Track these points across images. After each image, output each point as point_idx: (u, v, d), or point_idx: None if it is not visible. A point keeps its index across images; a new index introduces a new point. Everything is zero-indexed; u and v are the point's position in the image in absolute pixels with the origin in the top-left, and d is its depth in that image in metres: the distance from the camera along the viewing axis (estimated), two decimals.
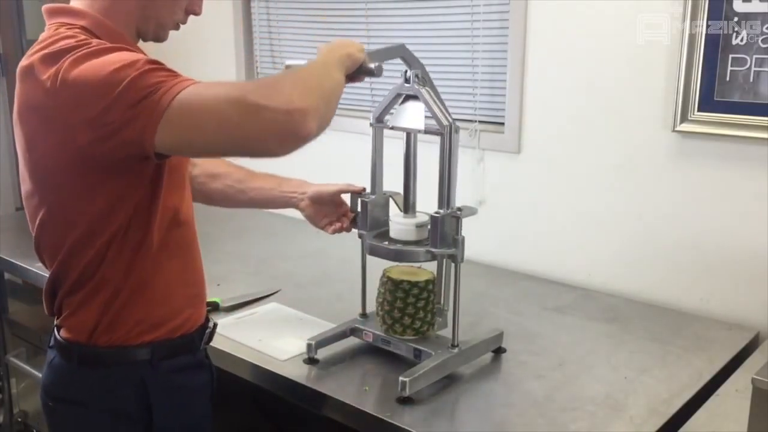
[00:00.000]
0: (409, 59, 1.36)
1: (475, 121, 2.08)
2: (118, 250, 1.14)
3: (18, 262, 2.06)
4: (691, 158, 1.74)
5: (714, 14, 1.61)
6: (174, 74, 1.02)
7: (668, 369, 1.48)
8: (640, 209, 1.84)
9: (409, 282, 1.41)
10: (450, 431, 1.28)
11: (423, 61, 2.23)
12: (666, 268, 1.82)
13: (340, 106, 2.63)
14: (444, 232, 1.34)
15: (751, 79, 1.60)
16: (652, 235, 1.83)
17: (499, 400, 1.37)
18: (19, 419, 2.39)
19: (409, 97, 1.37)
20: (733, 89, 1.62)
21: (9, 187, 4.12)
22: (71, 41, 1.06)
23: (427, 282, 1.42)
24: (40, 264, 1.96)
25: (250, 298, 1.79)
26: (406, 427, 1.25)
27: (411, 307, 1.41)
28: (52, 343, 1.25)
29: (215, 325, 1.35)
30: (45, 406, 1.26)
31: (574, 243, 1.97)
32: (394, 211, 1.46)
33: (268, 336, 1.58)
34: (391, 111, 1.41)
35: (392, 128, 1.39)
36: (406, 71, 1.36)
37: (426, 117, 1.36)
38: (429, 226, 1.40)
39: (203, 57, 2.76)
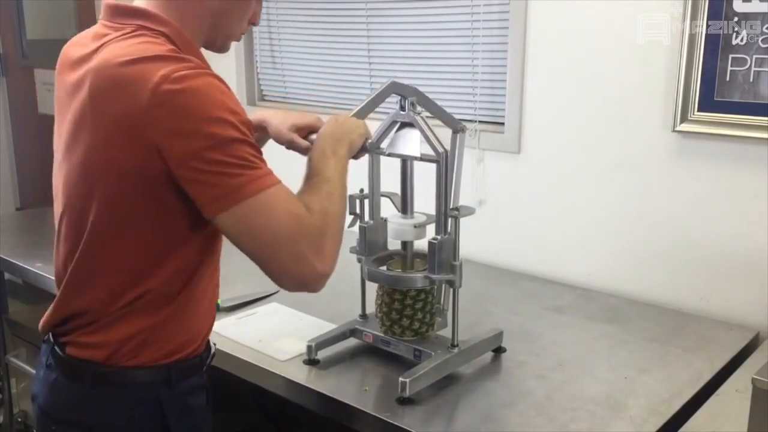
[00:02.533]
0: (403, 91, 1.37)
1: (475, 121, 2.08)
2: (175, 276, 1.12)
3: (18, 262, 2.06)
4: (691, 158, 1.74)
5: (714, 14, 1.61)
6: (259, 154, 1.06)
7: (668, 369, 1.48)
8: (640, 209, 1.85)
9: None
10: (450, 431, 1.28)
11: (423, 61, 2.25)
12: (666, 268, 1.82)
13: (340, 106, 2.66)
14: (442, 258, 1.35)
15: (751, 79, 1.60)
16: (652, 235, 1.83)
17: (499, 400, 1.37)
18: (19, 419, 2.39)
19: (404, 125, 1.38)
20: (733, 89, 1.62)
21: (9, 187, 4.13)
22: (166, 52, 1.03)
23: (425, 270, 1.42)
24: (40, 264, 1.99)
25: (250, 298, 1.79)
26: (406, 427, 1.25)
27: (409, 309, 1.42)
28: (50, 361, 1.17)
29: (215, 346, 1.31)
30: (44, 428, 1.18)
31: (574, 243, 1.97)
32: (393, 211, 1.46)
33: (268, 336, 1.58)
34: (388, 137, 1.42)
35: (389, 155, 1.40)
36: (401, 99, 1.37)
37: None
38: (427, 226, 1.40)
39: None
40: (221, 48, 1.22)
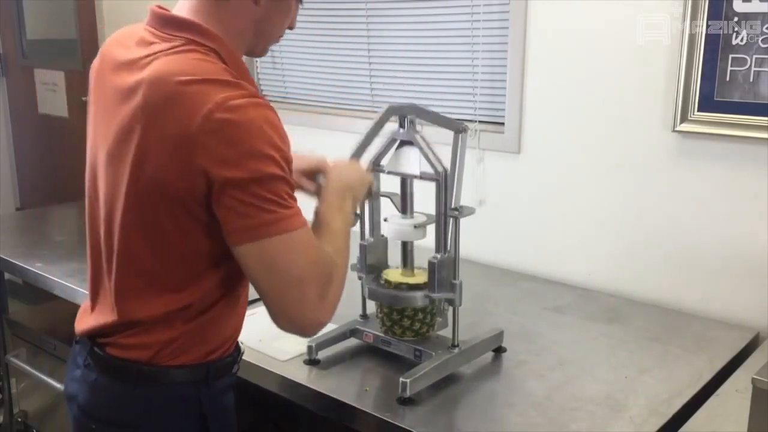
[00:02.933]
0: (401, 111, 1.38)
1: (475, 121, 2.08)
2: (216, 288, 1.14)
3: (18, 262, 2.06)
4: (691, 158, 1.74)
5: (714, 14, 1.61)
6: (293, 192, 1.07)
7: (668, 369, 1.48)
8: (640, 209, 1.85)
9: (407, 284, 1.41)
10: (450, 431, 1.28)
11: (423, 61, 2.25)
12: (666, 268, 1.82)
13: (340, 106, 2.65)
14: (442, 277, 1.36)
15: (751, 79, 1.60)
16: (652, 235, 1.83)
17: (499, 400, 1.37)
18: (19, 419, 2.39)
19: (404, 143, 1.39)
20: (733, 89, 1.62)
21: (9, 187, 4.13)
22: (223, 75, 1.05)
23: (425, 284, 1.42)
24: (40, 264, 1.99)
25: (250, 298, 1.78)
26: (407, 427, 1.25)
27: (409, 309, 1.42)
28: (88, 361, 1.18)
29: (243, 344, 1.32)
30: (84, 427, 1.19)
31: (574, 243, 1.97)
32: (392, 212, 1.46)
33: (268, 336, 1.58)
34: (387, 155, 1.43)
35: (389, 173, 1.41)
36: (402, 117, 1.38)
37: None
38: (426, 227, 1.40)
39: None
40: (261, 53, 1.24)
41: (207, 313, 1.15)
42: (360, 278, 1.48)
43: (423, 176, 1.38)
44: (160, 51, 1.08)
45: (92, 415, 1.18)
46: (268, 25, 1.18)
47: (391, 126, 1.39)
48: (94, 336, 1.18)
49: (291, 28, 1.24)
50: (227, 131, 1.00)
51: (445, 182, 1.35)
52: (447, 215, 1.36)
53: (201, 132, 1.00)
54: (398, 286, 1.41)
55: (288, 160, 1.06)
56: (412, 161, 1.38)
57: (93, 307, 1.21)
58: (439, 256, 1.36)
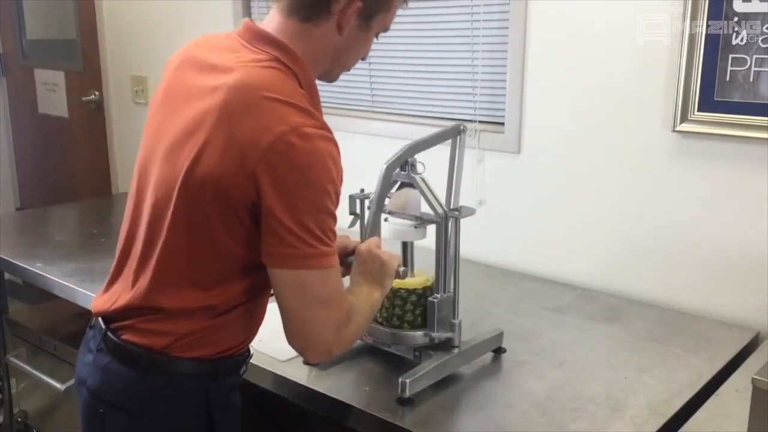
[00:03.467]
0: (401, 161, 1.39)
1: (475, 121, 2.08)
2: (243, 294, 1.17)
3: (18, 262, 2.06)
4: (691, 158, 1.74)
5: (714, 14, 1.61)
6: (335, 229, 1.12)
7: (668, 369, 1.48)
8: (639, 209, 1.85)
9: (406, 289, 1.41)
10: (450, 431, 1.28)
11: (423, 61, 2.24)
12: (666, 268, 1.82)
13: (340, 105, 2.65)
14: (441, 316, 1.37)
15: (751, 79, 1.60)
16: (652, 234, 1.83)
17: (499, 400, 1.37)
18: (19, 419, 2.39)
19: (405, 184, 1.40)
20: (733, 89, 1.62)
21: (9, 187, 4.13)
22: (302, 102, 1.08)
23: (425, 289, 1.42)
24: (40, 264, 1.99)
25: None
26: (406, 427, 1.25)
27: (410, 314, 1.41)
28: (101, 345, 1.19)
29: (252, 346, 1.33)
30: (93, 411, 1.20)
31: (574, 243, 1.97)
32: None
33: (268, 337, 1.58)
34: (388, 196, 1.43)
35: (390, 213, 1.42)
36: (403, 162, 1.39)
37: None
38: (426, 227, 1.40)
39: None
40: (334, 79, 1.27)
41: (227, 315, 1.17)
42: (359, 218, 1.47)
43: (423, 217, 1.39)
44: (248, 61, 1.12)
45: (101, 399, 1.19)
46: (347, 54, 1.22)
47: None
48: (113, 319, 1.20)
49: (363, 59, 1.27)
50: (294, 156, 1.04)
51: (445, 225, 1.36)
52: (447, 256, 1.37)
53: (270, 149, 1.04)
54: (398, 290, 1.41)
55: (338, 196, 1.11)
56: (413, 203, 1.39)
57: (110, 290, 1.24)
58: (438, 296, 1.38)
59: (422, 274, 1.45)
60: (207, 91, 1.11)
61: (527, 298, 1.87)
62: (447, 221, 1.36)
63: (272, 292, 1.15)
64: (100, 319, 1.22)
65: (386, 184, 1.38)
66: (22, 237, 2.37)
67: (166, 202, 1.13)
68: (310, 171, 1.05)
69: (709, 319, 1.73)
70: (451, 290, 1.40)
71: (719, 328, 1.68)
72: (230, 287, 1.15)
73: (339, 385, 1.40)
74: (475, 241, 1.97)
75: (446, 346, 1.41)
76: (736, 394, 1.34)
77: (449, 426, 1.30)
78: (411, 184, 1.39)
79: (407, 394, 1.31)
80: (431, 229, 1.40)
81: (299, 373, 1.44)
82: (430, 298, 1.38)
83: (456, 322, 1.39)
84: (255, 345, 1.53)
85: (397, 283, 1.41)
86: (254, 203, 1.07)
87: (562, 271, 1.99)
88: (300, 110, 1.07)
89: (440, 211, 1.36)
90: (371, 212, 1.39)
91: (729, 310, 1.73)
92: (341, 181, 1.11)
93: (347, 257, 1.34)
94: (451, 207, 1.37)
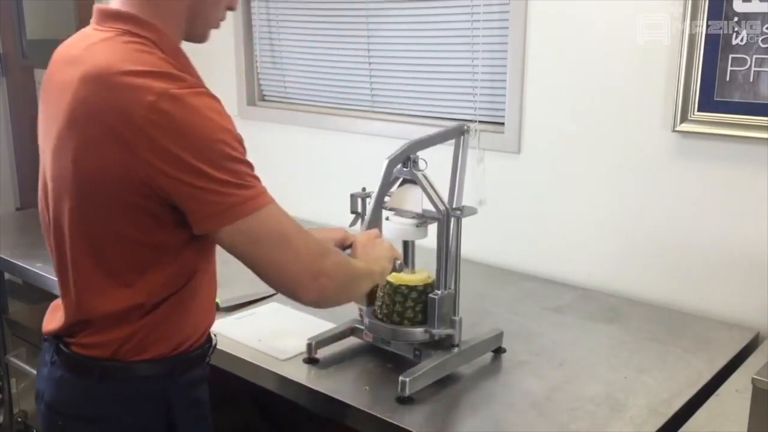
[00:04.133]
0: (403, 157, 1.39)
1: (475, 121, 2.08)
2: (167, 272, 1.13)
3: (18, 262, 2.06)
4: (691, 158, 1.74)
5: (714, 14, 1.61)
6: (253, 170, 1.08)
7: (668, 369, 1.48)
8: (640, 209, 1.85)
9: (407, 286, 1.41)
10: (450, 431, 1.28)
11: (423, 61, 2.25)
12: (666, 268, 1.82)
13: (340, 106, 2.65)
14: (442, 313, 1.37)
15: (751, 79, 1.60)
16: (651, 235, 1.83)
17: (499, 400, 1.37)
18: (19, 419, 2.39)
19: (406, 180, 1.40)
20: (733, 89, 1.62)
21: (9, 187, 4.13)
22: (162, 67, 1.05)
23: (425, 286, 1.42)
24: (40, 264, 1.99)
25: (250, 299, 1.79)
26: (406, 427, 1.25)
27: (410, 311, 1.41)
28: (54, 358, 1.18)
29: (216, 337, 1.32)
30: (52, 423, 1.19)
31: (574, 243, 1.97)
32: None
33: (267, 336, 1.58)
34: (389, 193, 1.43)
35: (390, 209, 1.42)
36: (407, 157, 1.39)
37: None
38: (428, 226, 1.40)
39: (203, 57, 2.75)
40: (201, 38, 1.22)
41: (159, 310, 1.14)
42: (360, 310, 1.49)
43: (425, 215, 1.39)
44: (96, 43, 1.09)
45: (58, 411, 1.18)
46: (202, 6, 1.17)
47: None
48: (59, 336, 1.19)
49: (232, 8, 1.23)
50: (172, 122, 1.00)
51: (447, 222, 1.36)
52: (448, 253, 1.37)
53: (145, 124, 1.00)
54: (399, 286, 1.41)
55: (240, 140, 1.07)
56: (414, 199, 1.39)
57: (58, 308, 1.22)
58: (439, 292, 1.37)
59: (423, 271, 1.45)
60: (69, 85, 1.08)
61: (527, 298, 1.87)
62: (448, 218, 1.36)
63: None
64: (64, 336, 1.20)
65: (387, 178, 1.38)
66: (22, 237, 2.37)
67: (62, 212, 1.11)
68: (194, 130, 1.01)
69: (709, 319, 1.73)
70: (452, 287, 1.39)
71: (719, 328, 1.68)
72: (152, 278, 1.11)
73: (339, 385, 1.40)
74: (475, 241, 1.97)
75: (446, 345, 1.41)
76: (736, 394, 1.33)
77: (449, 426, 1.30)
78: (413, 181, 1.39)
79: (407, 392, 1.31)
80: (432, 227, 1.40)
81: (298, 373, 1.44)
82: (430, 295, 1.38)
83: (456, 319, 1.39)
84: (254, 344, 1.54)
85: (397, 279, 1.42)
86: (151, 184, 1.03)
87: (562, 271, 1.99)
88: (161, 75, 1.03)
89: (442, 208, 1.36)
90: (371, 207, 1.39)
91: (729, 310, 1.73)
92: (233, 126, 1.08)
93: (344, 250, 1.34)
94: (453, 206, 1.37)
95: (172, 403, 1.17)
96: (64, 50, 1.17)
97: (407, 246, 1.45)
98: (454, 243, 1.37)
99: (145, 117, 1.00)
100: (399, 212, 1.42)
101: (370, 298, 1.45)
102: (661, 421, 1.28)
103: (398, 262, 1.35)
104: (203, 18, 1.18)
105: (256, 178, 1.08)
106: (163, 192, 1.04)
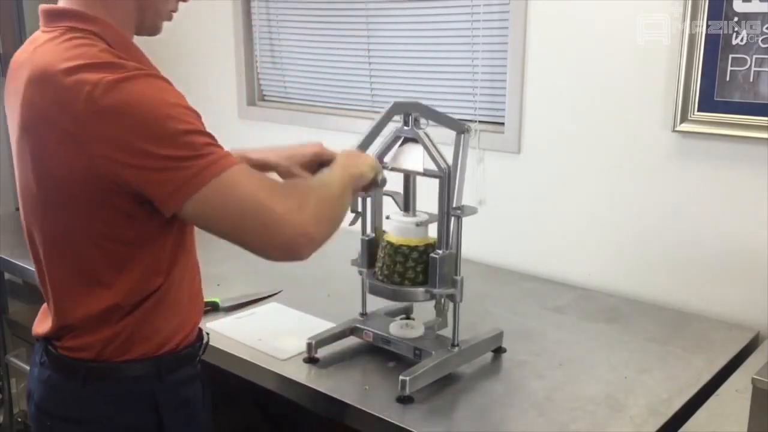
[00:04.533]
0: (409, 108, 1.38)
1: (475, 121, 2.08)
2: (146, 279, 1.12)
3: (18, 262, 2.06)
4: (691, 158, 1.74)
5: (714, 14, 1.61)
6: (213, 139, 1.05)
7: (668, 369, 1.48)
8: (639, 209, 1.85)
9: (408, 246, 1.40)
10: (450, 431, 1.28)
11: (423, 61, 2.25)
12: (666, 268, 1.82)
13: (340, 106, 2.65)
14: (443, 272, 1.36)
15: (751, 79, 1.60)
16: (652, 235, 1.83)
17: (499, 400, 1.36)
18: (19, 419, 2.39)
19: (408, 139, 1.39)
20: (733, 89, 1.62)
21: (9, 187, 4.13)
22: (100, 57, 1.03)
23: (426, 246, 1.41)
24: None
25: (250, 298, 1.79)
26: (406, 427, 1.25)
27: (411, 271, 1.40)
28: (44, 359, 1.19)
29: (208, 335, 1.32)
30: (40, 424, 1.20)
31: (574, 243, 1.97)
32: (394, 209, 1.46)
33: (268, 336, 1.58)
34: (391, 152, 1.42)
35: (392, 170, 1.41)
36: (406, 114, 1.38)
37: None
38: (429, 225, 1.40)
39: (203, 57, 2.76)
40: (152, 30, 1.20)
41: (139, 310, 1.13)
42: (360, 273, 1.47)
43: (426, 173, 1.37)
44: (41, 45, 1.08)
45: (47, 412, 1.18)
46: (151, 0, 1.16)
47: (395, 123, 1.40)
48: (48, 338, 1.19)
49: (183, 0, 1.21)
50: (113, 110, 0.99)
51: (448, 179, 1.35)
52: (450, 213, 1.36)
53: (88, 118, 0.99)
54: (399, 247, 1.40)
55: (189, 111, 1.05)
56: (415, 158, 1.38)
57: (45, 312, 1.23)
58: (440, 252, 1.36)
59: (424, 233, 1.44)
60: (18, 91, 1.08)
61: (527, 298, 1.87)
62: (450, 177, 1.34)
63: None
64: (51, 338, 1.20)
65: (388, 117, 1.36)
66: (22, 237, 2.37)
67: (31, 217, 1.13)
68: (137, 112, 0.99)
69: (709, 319, 1.73)
70: (453, 247, 1.37)
71: (719, 328, 1.68)
72: (128, 276, 1.11)
73: (338, 384, 1.40)
74: (475, 241, 1.97)
75: (446, 345, 1.41)
76: (736, 394, 1.33)
77: (449, 425, 1.30)
78: (414, 139, 1.38)
79: (407, 391, 1.31)
80: (432, 227, 1.40)
81: (298, 372, 1.44)
82: (432, 254, 1.36)
83: (458, 278, 1.37)
84: (254, 344, 1.54)
85: (398, 240, 1.40)
86: (110, 177, 1.02)
87: (562, 271, 1.99)
88: (98, 66, 1.01)
89: (443, 165, 1.34)
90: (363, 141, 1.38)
91: (729, 310, 1.73)
92: (182, 98, 1.05)
93: (320, 168, 1.32)
94: (454, 206, 1.37)
95: (159, 403, 1.17)
96: (16, 56, 1.16)
97: (408, 183, 1.44)
98: (455, 239, 1.36)
99: (86, 110, 0.99)
100: (400, 170, 1.40)
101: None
102: (661, 421, 1.28)
103: (380, 176, 1.30)
104: (153, 10, 1.17)
105: (216, 146, 1.05)
106: (123, 182, 1.02)
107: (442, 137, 1.42)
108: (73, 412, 1.16)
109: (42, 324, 1.22)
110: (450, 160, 1.37)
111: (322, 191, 1.17)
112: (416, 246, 1.40)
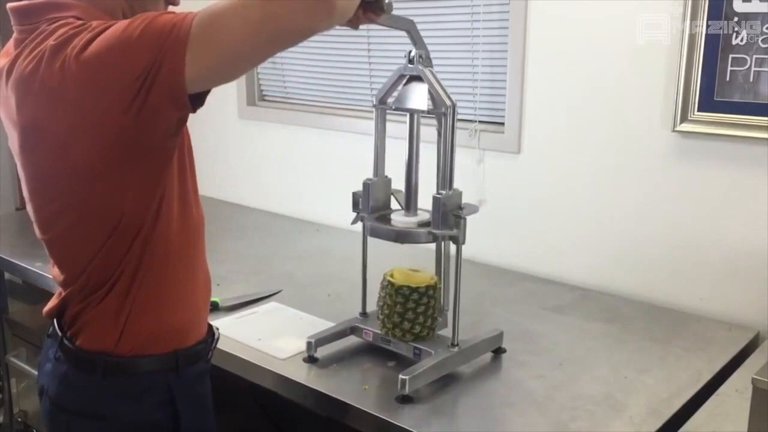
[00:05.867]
0: (416, 37, 1.35)
1: (475, 121, 2.08)
2: (144, 246, 1.11)
3: (18, 262, 2.06)
4: (691, 158, 1.74)
5: (714, 14, 1.61)
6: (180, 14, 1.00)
7: (668, 369, 1.48)
8: (640, 209, 1.84)
9: (409, 287, 1.41)
10: (450, 431, 1.28)
11: None
12: (666, 268, 1.82)
13: (340, 106, 2.64)
14: (445, 213, 1.33)
15: (751, 79, 1.60)
16: (651, 234, 1.83)
17: (499, 399, 1.36)
18: (19, 419, 2.39)
19: (412, 78, 1.37)
20: (733, 89, 1.62)
21: (9, 187, 4.13)
22: (67, 29, 1.02)
23: (427, 287, 1.42)
24: (40, 264, 1.99)
25: (250, 298, 1.79)
26: (406, 427, 1.25)
27: (411, 312, 1.41)
28: (59, 354, 1.18)
29: (218, 330, 1.32)
30: (56, 420, 1.19)
31: (574, 243, 1.97)
32: (395, 209, 1.46)
33: (268, 335, 1.58)
34: (394, 93, 1.40)
35: (395, 109, 1.39)
36: (410, 52, 1.35)
37: None
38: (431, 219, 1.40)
39: None
40: None
41: (150, 283, 1.13)
42: (362, 219, 1.45)
43: (431, 111, 1.34)
44: (25, 46, 1.06)
45: (63, 408, 1.18)
46: (140, 3, 1.14)
47: (399, 62, 1.37)
48: (63, 327, 1.19)
49: (173, 4, 1.19)
50: (82, 67, 0.98)
51: (453, 116, 1.32)
52: (452, 152, 1.32)
53: (76, 70, 0.98)
54: (400, 288, 1.41)
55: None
56: (419, 97, 1.35)
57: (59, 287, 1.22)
58: (444, 192, 1.34)
59: (425, 277, 1.44)
60: (7, 99, 1.08)
61: (527, 298, 1.87)
62: (453, 113, 1.32)
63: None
64: (56, 326, 1.21)
65: (403, 20, 1.31)
66: (22, 237, 2.37)
67: (52, 199, 1.12)
68: (110, 40, 0.98)
69: (709, 319, 1.73)
70: (456, 188, 1.35)
71: (719, 328, 1.68)
72: (139, 212, 1.09)
73: (338, 384, 1.40)
74: (475, 241, 1.97)
75: (446, 345, 1.41)
76: (736, 394, 1.33)
77: (449, 425, 1.29)
78: (419, 78, 1.35)
79: (407, 390, 1.31)
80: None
81: (298, 372, 1.44)
82: (434, 195, 1.33)
83: (462, 220, 1.34)
84: (254, 344, 1.54)
85: (400, 281, 1.42)
86: (119, 108, 0.99)
87: (562, 271, 1.99)
88: (59, 29, 1.01)
89: (448, 103, 1.32)
90: None
91: (729, 310, 1.73)
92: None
93: None
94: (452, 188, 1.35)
95: (175, 396, 1.17)
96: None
97: (413, 127, 1.41)
98: (449, 141, 1.34)
99: (71, 79, 0.98)
100: (404, 110, 1.37)
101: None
102: (661, 421, 1.28)
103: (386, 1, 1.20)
104: (141, 6, 1.15)
105: (179, 14, 1.00)
106: (123, 123, 1.00)
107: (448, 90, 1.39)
108: (91, 407, 1.17)
109: (52, 302, 1.22)
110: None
111: None
112: (417, 288, 1.41)
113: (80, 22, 1.04)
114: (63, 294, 1.18)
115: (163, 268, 1.15)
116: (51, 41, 1.02)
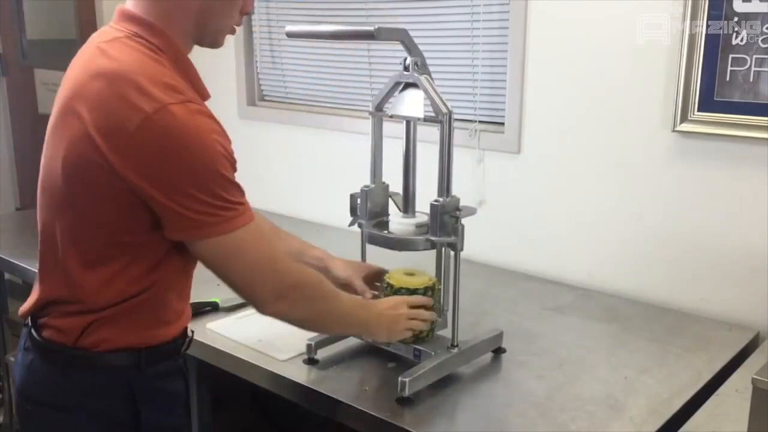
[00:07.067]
0: (410, 45, 1.34)
1: (475, 121, 2.08)
2: (141, 261, 1.14)
3: (18, 262, 2.06)
4: (691, 158, 1.74)
5: (714, 14, 1.61)
6: (242, 193, 1.12)
7: (668, 369, 1.48)
8: (640, 209, 1.84)
9: (408, 288, 1.41)
10: (450, 431, 1.28)
11: None
12: (666, 268, 1.82)
13: (339, 105, 2.65)
14: (443, 221, 1.33)
15: (751, 79, 1.60)
16: (652, 235, 1.83)
17: (499, 400, 1.36)
18: None
19: (408, 85, 1.37)
20: (733, 89, 1.62)
21: (9, 187, 4.13)
22: (165, 78, 1.06)
23: (426, 289, 1.42)
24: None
25: (240, 302, 1.78)
26: (406, 427, 1.25)
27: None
28: (27, 344, 1.21)
29: (193, 333, 1.32)
30: (21, 409, 1.22)
31: (574, 243, 1.97)
32: (394, 211, 1.46)
33: (267, 336, 1.58)
34: (390, 100, 1.40)
35: (392, 116, 1.39)
36: (405, 59, 1.35)
37: None
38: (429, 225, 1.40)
39: (203, 56, 2.75)
40: (213, 44, 1.22)
41: (138, 295, 1.15)
42: (360, 225, 1.46)
43: (427, 118, 1.35)
44: (106, 40, 1.11)
45: (27, 396, 1.20)
46: (210, 16, 1.16)
47: (396, 68, 1.38)
48: (35, 317, 1.22)
49: (247, 13, 1.22)
50: (163, 139, 1.02)
51: (449, 124, 1.32)
52: (449, 162, 1.34)
53: (138, 134, 1.01)
54: (399, 289, 1.41)
55: (233, 161, 1.10)
56: (415, 104, 1.35)
57: (38, 286, 1.24)
58: (441, 199, 1.34)
59: (424, 279, 1.44)
60: (74, 81, 1.12)
61: (527, 298, 1.87)
62: (450, 121, 1.32)
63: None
64: (30, 317, 1.23)
65: (396, 31, 1.34)
66: (22, 237, 2.37)
67: (52, 189, 1.14)
68: (191, 151, 1.04)
69: (709, 319, 1.73)
70: (454, 195, 1.36)
71: (719, 328, 1.68)
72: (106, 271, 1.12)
73: (338, 385, 1.40)
74: (475, 241, 1.97)
75: (445, 345, 1.41)
76: (736, 394, 1.34)
77: (449, 426, 1.30)
78: (415, 85, 1.35)
79: (407, 393, 1.31)
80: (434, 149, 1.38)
81: (298, 373, 1.44)
82: (432, 202, 1.33)
83: (459, 226, 1.33)
84: (254, 345, 1.54)
85: (399, 283, 1.42)
86: (136, 192, 1.05)
87: (562, 271, 1.99)
88: (165, 88, 1.04)
89: (444, 110, 1.32)
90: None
91: (729, 310, 1.73)
92: (229, 142, 1.11)
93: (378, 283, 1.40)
94: (450, 196, 1.35)
95: (136, 393, 1.18)
96: (85, 48, 1.18)
97: (410, 130, 1.41)
98: (446, 148, 1.34)
99: (140, 127, 1.01)
100: (400, 117, 1.39)
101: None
102: (661, 421, 1.28)
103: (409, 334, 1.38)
104: (213, 27, 1.18)
105: (242, 200, 1.11)
106: (145, 198, 1.06)
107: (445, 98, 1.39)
108: (52, 398, 1.17)
109: (27, 302, 1.24)
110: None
111: (331, 313, 1.29)
112: (416, 289, 1.41)
113: (174, 83, 1.07)
114: (39, 296, 1.21)
115: (149, 298, 1.17)
116: (139, 78, 1.04)
